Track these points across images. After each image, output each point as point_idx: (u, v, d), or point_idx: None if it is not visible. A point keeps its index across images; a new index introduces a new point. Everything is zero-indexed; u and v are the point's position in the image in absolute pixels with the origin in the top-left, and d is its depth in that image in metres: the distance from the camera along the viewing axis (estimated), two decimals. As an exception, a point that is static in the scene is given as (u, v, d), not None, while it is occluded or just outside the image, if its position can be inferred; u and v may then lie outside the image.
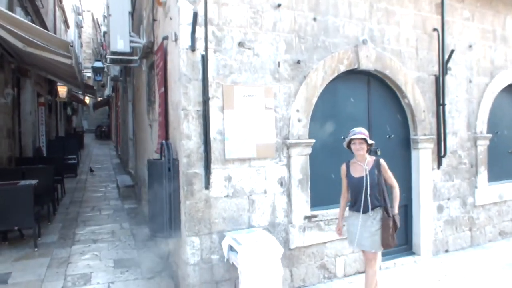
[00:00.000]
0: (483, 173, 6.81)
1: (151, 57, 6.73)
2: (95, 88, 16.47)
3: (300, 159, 5.03)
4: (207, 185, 4.50)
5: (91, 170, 14.60)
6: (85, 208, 9.31)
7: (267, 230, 4.84)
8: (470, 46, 6.67)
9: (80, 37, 30.59)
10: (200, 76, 4.49)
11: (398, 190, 4.19)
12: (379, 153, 5.77)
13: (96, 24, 36.66)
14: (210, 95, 4.47)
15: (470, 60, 6.70)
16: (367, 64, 5.55)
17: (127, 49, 7.52)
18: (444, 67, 6.20)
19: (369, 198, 4.12)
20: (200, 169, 4.50)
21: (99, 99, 28.50)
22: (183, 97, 4.43)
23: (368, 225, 4.15)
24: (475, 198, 6.74)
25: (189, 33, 4.40)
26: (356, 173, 4.25)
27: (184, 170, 4.44)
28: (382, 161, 4.21)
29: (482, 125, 6.82)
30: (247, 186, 4.76)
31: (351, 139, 4.22)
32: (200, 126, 4.50)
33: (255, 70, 4.82)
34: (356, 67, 5.48)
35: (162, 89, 5.26)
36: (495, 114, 7.07)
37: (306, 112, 5.10)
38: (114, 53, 7.71)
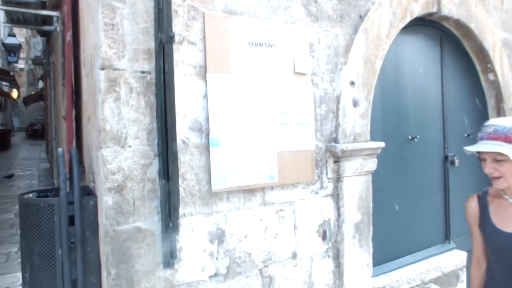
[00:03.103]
0: None
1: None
2: (11, 73, 12.71)
3: (357, 182, 2.41)
4: (170, 258, 1.75)
5: (9, 176, 11.01)
6: (-23, 243, 6.05)
7: (299, 338, 2.18)
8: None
9: None
10: (148, -13, 1.74)
11: None
12: (457, 162, 3.32)
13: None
14: (175, 33, 1.72)
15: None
16: (450, 7, 3.05)
17: (30, -4, 4.54)
18: (535, 26, 3.87)
19: None
20: (150, 221, 1.73)
21: (32, 92, 24.03)
22: (105, 36, 1.65)
23: None
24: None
25: None
26: (504, 222, 1.63)
27: (108, 225, 1.66)
28: None
29: None
30: (257, 248, 2.05)
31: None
32: (149, 112, 1.74)
33: (272, -10, 2.12)
34: (435, 10, 2.95)
35: (69, 35, 2.39)
36: None
37: (367, 86, 2.48)
38: (8, 1, 4.66)
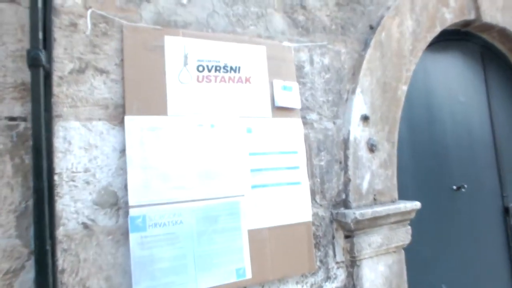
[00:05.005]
0: None
1: None
2: None
3: (383, 264, 1.57)
4: None
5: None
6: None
7: None
8: None
9: None
10: (23, -12, 1.10)
11: None
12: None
13: None
14: (74, 57, 1.06)
15: None
16: (492, 13, 2.27)
17: None
18: None
19: None
20: None
21: None
22: None
23: None
24: None
25: None
26: None
27: None
28: None
29: None
30: None
31: None
32: (20, 182, 1.03)
33: (235, -8, 1.46)
34: (473, 17, 2.18)
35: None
36: None
37: (389, 121, 1.71)
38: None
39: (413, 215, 1.62)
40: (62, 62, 1.12)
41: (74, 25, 1.15)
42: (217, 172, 1.26)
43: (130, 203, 1.13)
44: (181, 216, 1.19)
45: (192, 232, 1.19)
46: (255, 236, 1.29)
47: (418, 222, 1.70)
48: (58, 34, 1.13)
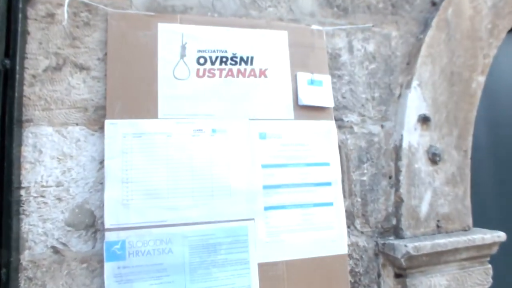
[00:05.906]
0: None
1: None
2: None
3: (451, 314, 1.20)
4: None
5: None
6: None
7: None
8: None
9: None
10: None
11: None
12: None
13: None
14: (49, 52, 0.91)
15: None
16: None
17: None
18: None
19: None
20: None
21: None
22: None
23: None
24: None
25: None
26: None
27: None
28: None
29: None
30: None
31: None
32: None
33: (250, -33, 1.21)
34: None
35: None
36: None
37: (458, 124, 1.31)
38: None
39: (494, 250, 1.20)
40: (37, 59, 0.97)
41: (51, 15, 1.00)
42: (219, 189, 1.01)
43: (107, 224, 0.93)
44: (170, 243, 0.95)
45: (184, 264, 0.95)
46: (268, 271, 1.01)
47: (502, 259, 1.26)
48: (33, 27, 0.98)
